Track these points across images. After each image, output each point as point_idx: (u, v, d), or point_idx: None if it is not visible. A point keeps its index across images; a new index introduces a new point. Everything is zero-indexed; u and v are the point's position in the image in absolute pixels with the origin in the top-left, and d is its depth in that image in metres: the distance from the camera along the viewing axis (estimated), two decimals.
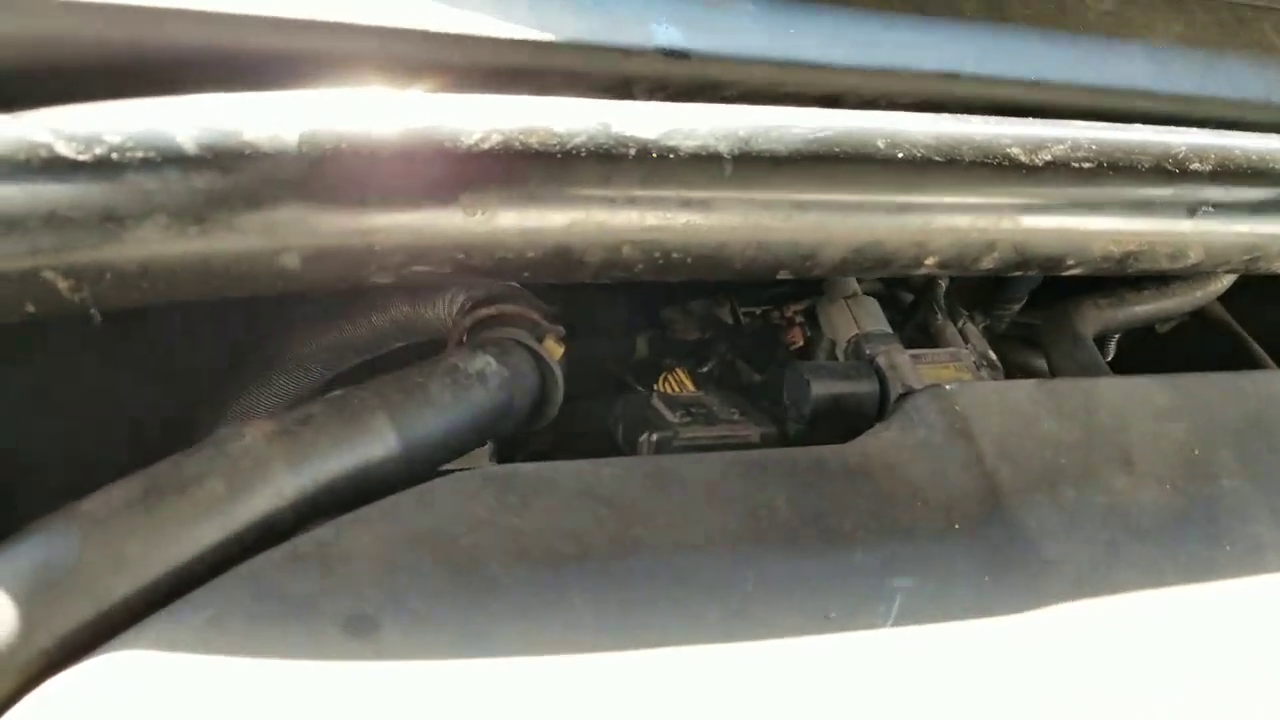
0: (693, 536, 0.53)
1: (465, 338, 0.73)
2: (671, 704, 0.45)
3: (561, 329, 0.74)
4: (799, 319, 1.00)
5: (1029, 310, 1.07)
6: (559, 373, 0.70)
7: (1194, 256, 0.70)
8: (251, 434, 0.51)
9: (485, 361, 0.65)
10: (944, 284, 0.86)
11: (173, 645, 0.42)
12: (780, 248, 0.59)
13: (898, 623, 0.52)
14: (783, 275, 0.61)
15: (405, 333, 0.90)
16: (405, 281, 0.55)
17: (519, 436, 0.81)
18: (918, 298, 0.87)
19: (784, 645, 0.49)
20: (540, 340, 0.71)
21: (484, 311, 0.73)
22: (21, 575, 0.43)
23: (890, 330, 0.76)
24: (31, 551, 0.44)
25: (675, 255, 0.57)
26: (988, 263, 0.64)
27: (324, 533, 0.48)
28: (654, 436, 0.68)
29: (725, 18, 0.63)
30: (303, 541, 0.48)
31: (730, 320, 1.01)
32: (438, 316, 0.86)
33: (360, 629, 0.45)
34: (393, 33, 0.58)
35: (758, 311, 1.02)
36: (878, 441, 0.62)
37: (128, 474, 0.49)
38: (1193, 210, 0.68)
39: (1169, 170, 0.66)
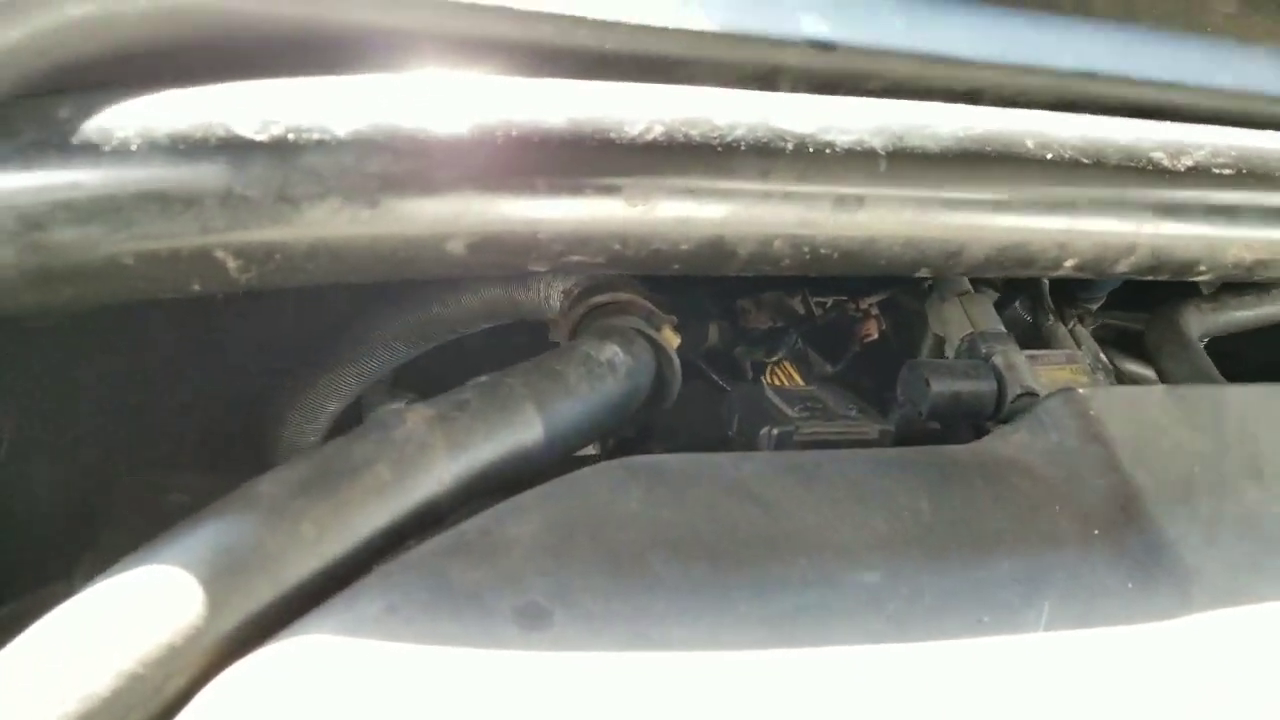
0: (844, 537, 0.53)
1: (577, 326, 0.73)
2: (839, 708, 0.45)
3: (674, 318, 0.74)
4: (874, 311, 0.99)
5: (1106, 311, 1.07)
6: (677, 363, 0.70)
7: None
8: (413, 420, 0.51)
9: (613, 351, 0.64)
10: (1046, 284, 0.85)
11: (352, 631, 0.42)
12: (928, 244, 0.58)
13: (1049, 629, 0.51)
14: (923, 273, 0.61)
15: (495, 315, 0.89)
16: (558, 269, 0.54)
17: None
18: (1025, 298, 0.87)
19: (943, 648, 0.49)
20: (657, 329, 0.71)
21: (598, 299, 0.73)
22: (203, 557, 0.43)
23: (1004, 330, 0.76)
24: (212, 534, 0.44)
25: (823, 250, 0.57)
26: (1124, 266, 0.64)
27: (486, 520, 0.48)
28: (775, 431, 0.68)
29: (871, 10, 0.63)
30: (468, 529, 0.48)
31: (802, 310, 1.01)
32: (531, 300, 0.86)
33: (531, 620, 0.45)
34: (543, 17, 0.57)
35: (829, 303, 1.01)
36: (1009, 444, 0.62)
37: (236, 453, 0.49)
38: None
39: None
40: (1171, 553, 0.57)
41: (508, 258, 0.52)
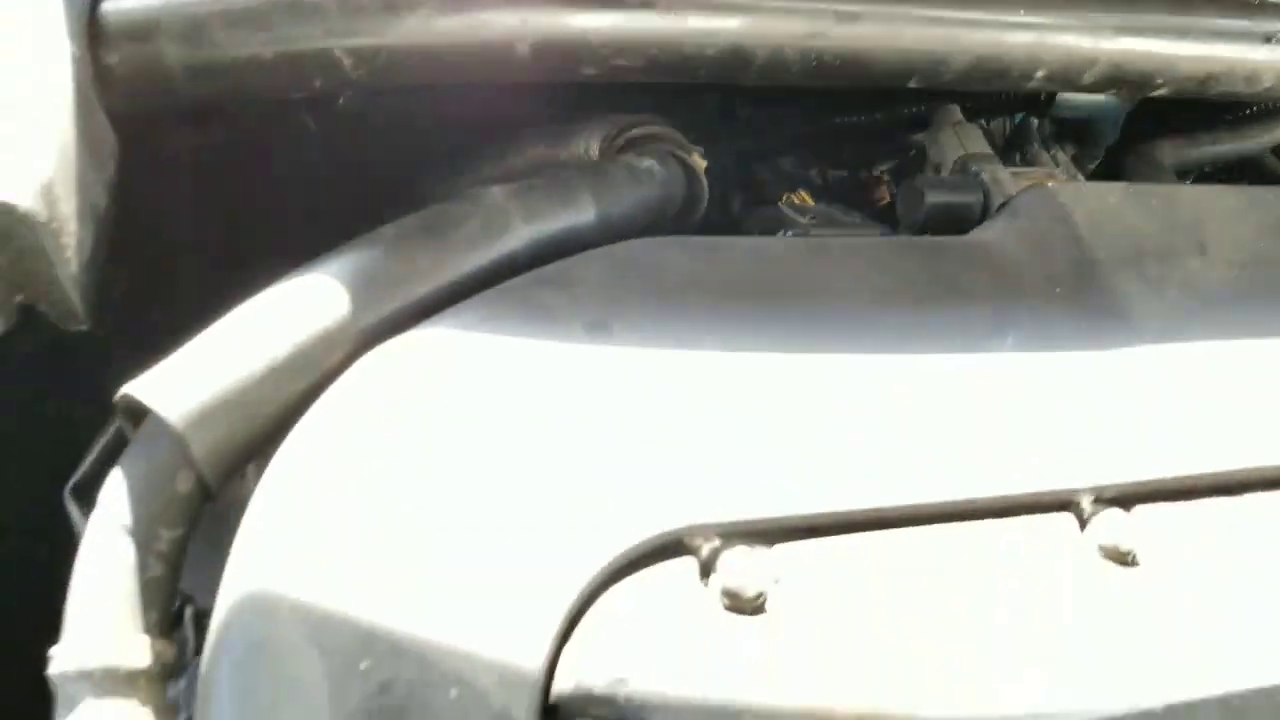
0: (856, 290, 0.65)
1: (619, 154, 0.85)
2: (838, 403, 0.58)
3: (702, 148, 0.85)
4: (885, 178, 1.10)
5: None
6: (704, 180, 0.81)
7: (1267, 81, 0.79)
8: (495, 192, 0.63)
9: (651, 163, 0.76)
10: (1036, 122, 0.96)
11: (461, 329, 0.55)
12: (916, 56, 0.69)
13: (1013, 353, 0.63)
14: (914, 83, 0.72)
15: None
16: (606, 75, 0.66)
17: None
18: (1016, 130, 0.97)
19: (923, 362, 0.61)
20: (687, 154, 0.82)
21: (635, 131, 0.84)
22: (344, 275, 0.55)
23: (991, 152, 0.86)
24: (351, 260, 0.56)
25: (827, 59, 0.68)
26: (1089, 78, 0.74)
27: (560, 265, 0.61)
28: (789, 234, 0.79)
29: None
30: (546, 271, 0.60)
31: (819, 180, 1.11)
32: (574, 156, 0.97)
33: (595, 331, 0.57)
34: None
35: (845, 173, 1.12)
36: (990, 231, 0.73)
37: None
38: (1268, 39, 0.77)
39: (1247, 3, 0.76)
40: (1121, 304, 0.68)
41: (564, 61, 0.63)
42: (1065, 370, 0.63)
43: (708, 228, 0.95)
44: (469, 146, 1.02)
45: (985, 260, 0.70)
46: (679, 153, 0.81)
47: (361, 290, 0.55)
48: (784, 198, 0.90)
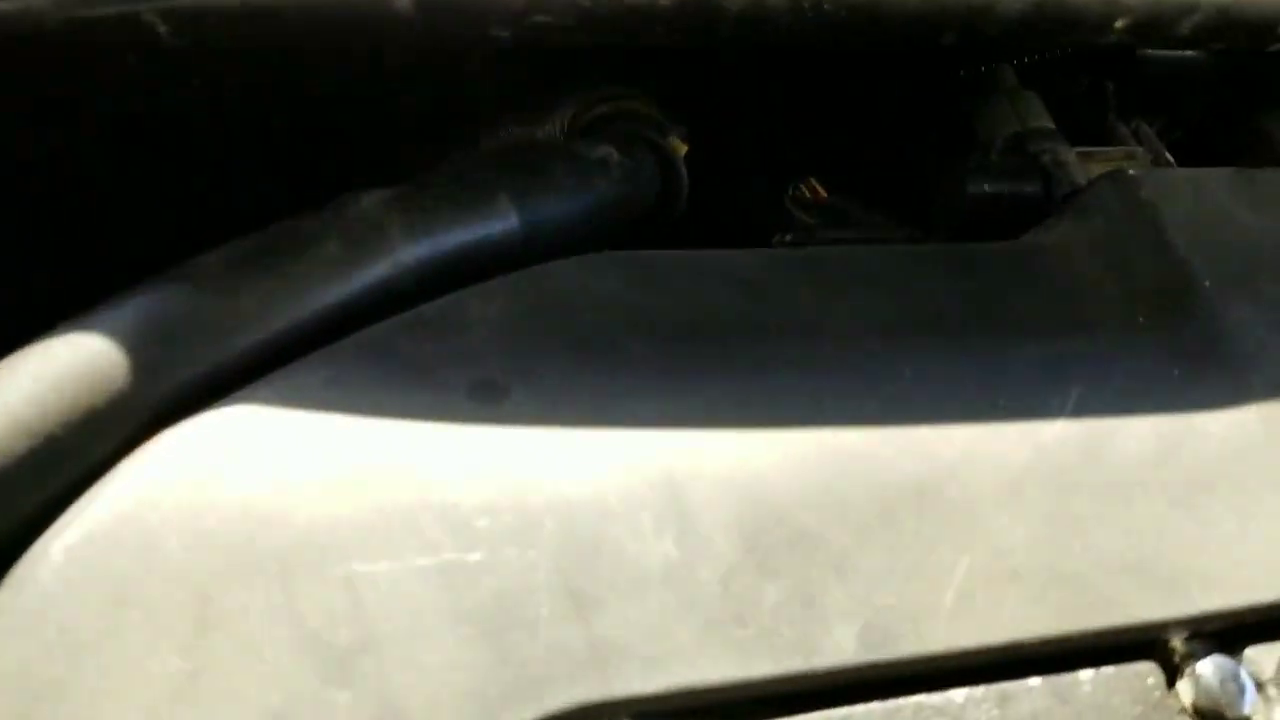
0: (844, 321, 0.48)
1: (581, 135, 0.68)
2: (815, 481, 0.41)
3: (684, 129, 0.68)
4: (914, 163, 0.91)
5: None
6: (683, 170, 0.64)
7: None
8: (368, 199, 0.47)
9: (607, 151, 0.59)
10: (1111, 87, 0.76)
11: (289, 402, 0.39)
12: (951, 2, 0.51)
13: (1076, 415, 0.46)
14: (947, 39, 0.54)
15: None
16: (525, 38, 0.49)
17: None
18: (1084, 96, 0.78)
19: (946, 433, 0.44)
20: (663, 136, 0.65)
21: (600, 109, 0.68)
22: (136, 326, 0.40)
23: (1054, 127, 0.68)
24: (145, 303, 0.41)
25: (828, 7, 0.50)
26: (1186, 27, 0.55)
27: (447, 302, 0.45)
28: (788, 237, 0.62)
29: None
30: (426, 310, 0.44)
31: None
32: (550, 136, 0.81)
33: (486, 394, 0.41)
34: None
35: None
36: (1050, 234, 0.55)
37: None
38: None
39: None
40: (1228, 341, 0.50)
41: (462, 17, 0.47)
42: (1150, 439, 0.46)
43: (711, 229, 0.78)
44: (431, 130, 0.87)
45: (1043, 276, 0.52)
46: (650, 135, 0.64)
47: (153, 348, 0.39)
48: (790, 190, 0.73)
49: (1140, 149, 0.68)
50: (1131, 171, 0.56)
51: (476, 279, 0.48)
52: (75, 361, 0.38)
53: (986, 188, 0.63)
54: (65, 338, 0.39)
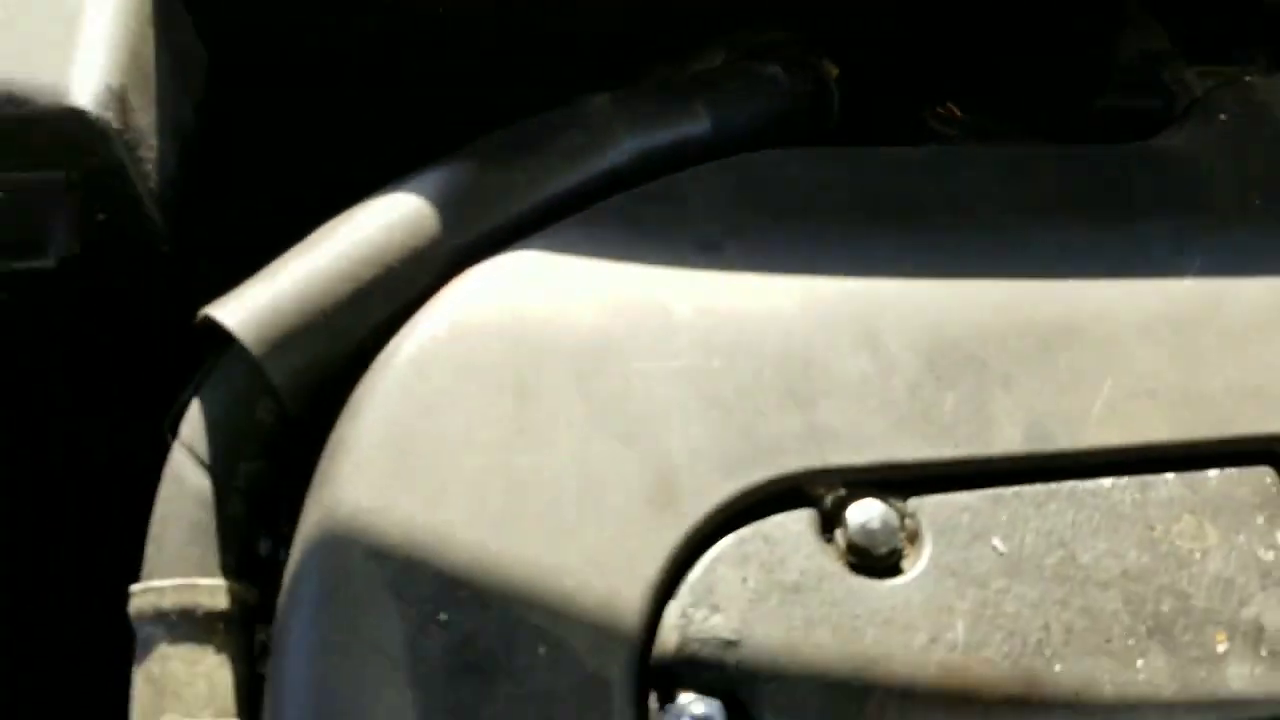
0: (1002, 200, 0.56)
1: None
2: (981, 318, 0.50)
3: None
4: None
5: None
6: (836, 91, 0.73)
7: None
8: (597, 100, 0.57)
9: (775, 70, 0.68)
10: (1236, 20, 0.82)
11: (560, 250, 0.50)
12: None
13: (1200, 274, 0.54)
14: None
15: None
16: None
17: None
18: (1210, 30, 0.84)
19: (1091, 284, 0.52)
20: (819, 61, 0.74)
21: (766, 37, 0.77)
22: (439, 190, 0.51)
23: (1174, 48, 0.74)
24: (439, 176, 0.52)
25: None
26: None
27: (665, 182, 0.54)
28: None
29: None
30: (650, 187, 0.54)
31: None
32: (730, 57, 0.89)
33: (708, 249, 0.51)
34: None
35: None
36: (1173, 136, 0.63)
37: None
38: None
39: None
40: None
41: None
42: (1263, 294, 0.53)
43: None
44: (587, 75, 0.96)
45: (1165, 167, 0.60)
46: (809, 58, 0.73)
47: (453, 208, 0.50)
48: (929, 111, 0.80)
49: (1254, 65, 0.74)
50: (1249, 79, 0.63)
51: (675, 170, 0.57)
52: (402, 214, 0.49)
53: (1113, 101, 0.71)
54: (392, 197, 0.50)
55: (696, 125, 0.61)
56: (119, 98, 0.46)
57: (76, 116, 0.45)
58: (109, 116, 0.45)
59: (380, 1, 0.59)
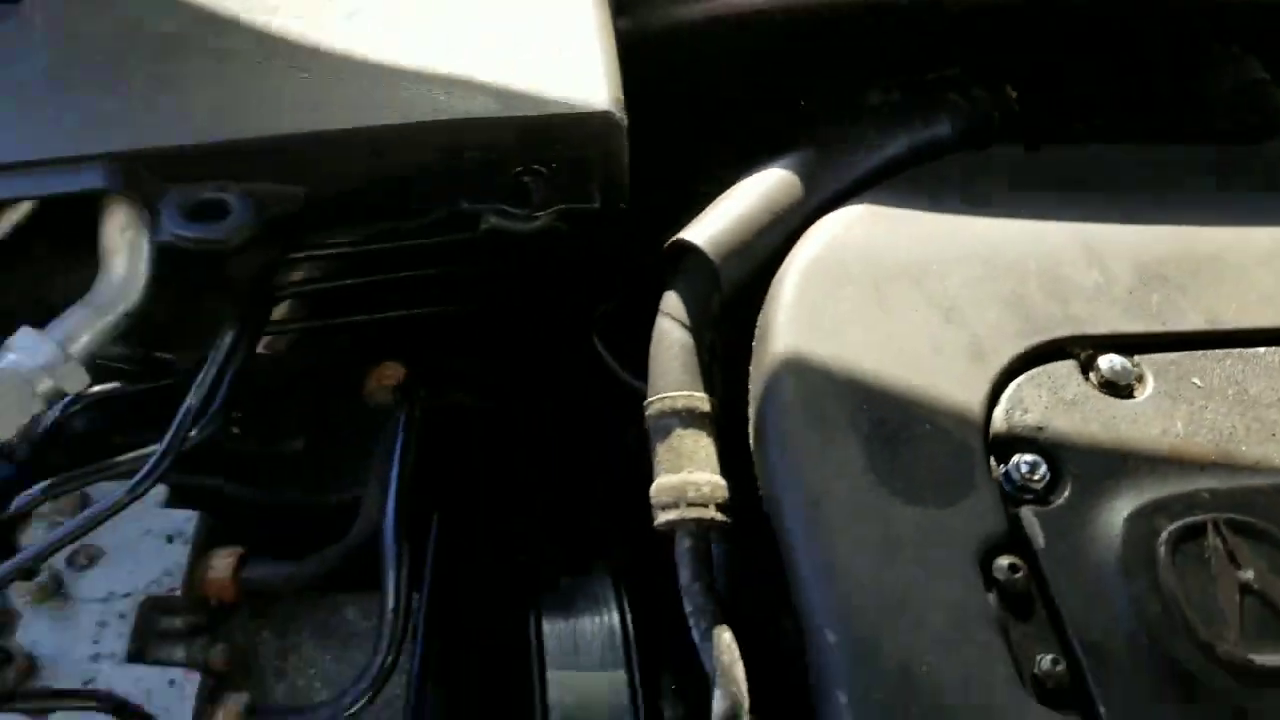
0: (1166, 179, 0.82)
1: None
2: (1160, 251, 0.75)
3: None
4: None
5: None
6: (1015, 110, 0.99)
7: None
8: (884, 111, 0.84)
9: (981, 92, 0.95)
10: None
11: (881, 204, 0.76)
12: None
13: None
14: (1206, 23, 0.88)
15: None
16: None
17: None
18: None
19: (1229, 230, 0.78)
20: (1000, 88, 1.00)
21: (953, 70, 1.03)
22: (802, 165, 0.77)
23: (1269, 77, 1.01)
24: (803, 156, 0.78)
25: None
26: None
27: (937, 164, 0.81)
28: None
29: None
30: (927, 166, 0.80)
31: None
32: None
33: (978, 203, 0.77)
34: None
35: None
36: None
37: None
38: None
39: None
40: None
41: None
42: None
43: None
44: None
45: (1275, 162, 0.86)
46: (993, 86, 0.99)
47: (812, 176, 0.77)
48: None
49: None
50: None
51: (929, 159, 0.84)
52: (787, 178, 0.76)
53: (1223, 124, 0.97)
54: (776, 170, 0.77)
55: (942, 129, 0.88)
56: (620, 102, 0.73)
57: (604, 116, 0.72)
58: (620, 116, 0.72)
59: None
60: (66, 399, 0.66)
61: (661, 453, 0.67)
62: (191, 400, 0.63)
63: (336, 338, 0.83)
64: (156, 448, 0.61)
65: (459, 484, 0.80)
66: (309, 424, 0.78)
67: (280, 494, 0.74)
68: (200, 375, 0.65)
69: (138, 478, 0.59)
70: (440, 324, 0.82)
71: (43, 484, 0.63)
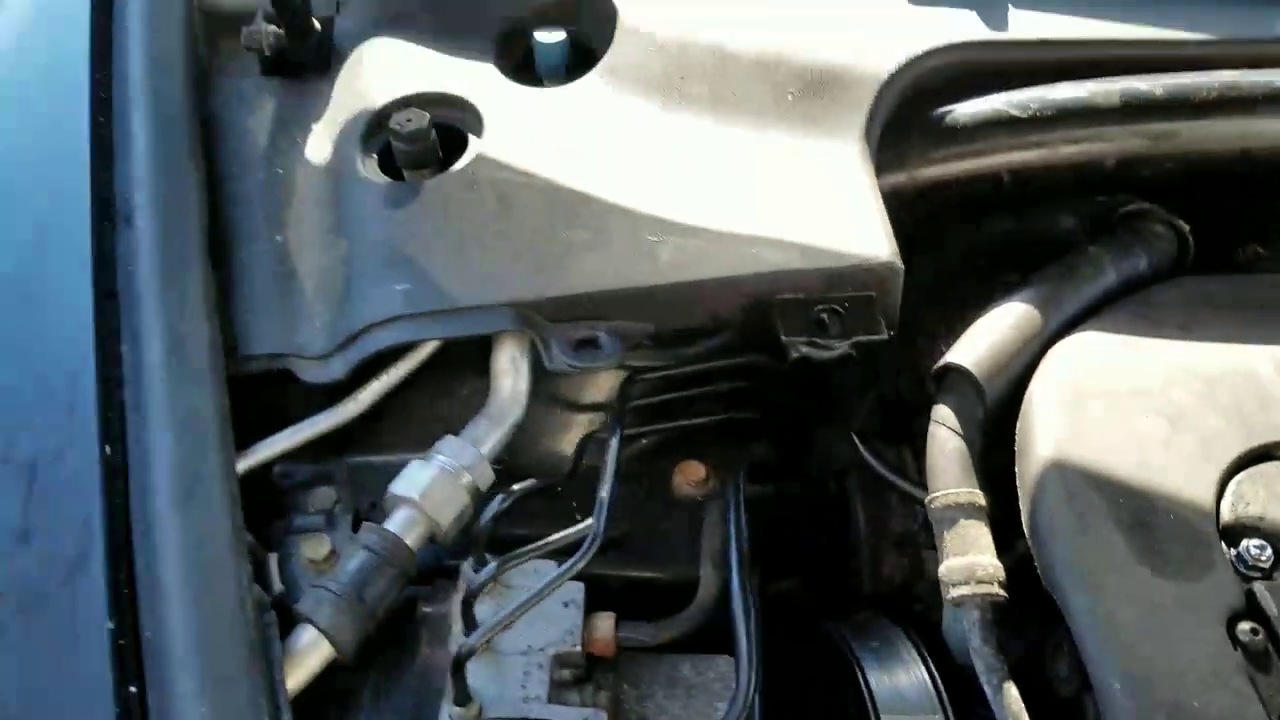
0: None
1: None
2: None
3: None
4: None
5: None
6: (1190, 240, 1.16)
7: None
8: (1096, 251, 1.03)
9: (1160, 228, 1.12)
10: None
11: (1106, 330, 0.94)
12: None
13: None
14: None
15: None
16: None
17: None
18: None
19: None
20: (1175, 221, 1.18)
21: (1133, 207, 1.21)
22: (1043, 295, 0.97)
23: None
24: (1037, 289, 0.97)
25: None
26: None
27: (1144, 293, 0.99)
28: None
29: None
30: (1138, 295, 0.98)
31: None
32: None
33: (1184, 328, 0.94)
34: None
35: None
36: None
37: None
38: None
39: None
40: None
41: None
42: None
43: None
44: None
45: None
46: (1170, 219, 1.17)
47: (1044, 307, 0.95)
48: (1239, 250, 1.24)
49: None
50: None
51: (1132, 291, 1.01)
52: (1027, 313, 0.94)
53: None
54: (1013, 304, 0.95)
55: (1140, 262, 1.05)
56: (897, 253, 0.93)
57: (889, 265, 0.91)
58: (899, 264, 0.92)
59: None
60: (499, 497, 0.86)
61: (949, 539, 0.85)
62: (603, 493, 0.83)
63: (642, 440, 1.03)
64: (588, 530, 0.80)
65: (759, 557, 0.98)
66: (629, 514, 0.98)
67: (623, 571, 0.94)
68: (604, 470, 0.85)
69: (578, 556, 0.78)
70: (732, 426, 1.02)
71: (494, 563, 0.82)
